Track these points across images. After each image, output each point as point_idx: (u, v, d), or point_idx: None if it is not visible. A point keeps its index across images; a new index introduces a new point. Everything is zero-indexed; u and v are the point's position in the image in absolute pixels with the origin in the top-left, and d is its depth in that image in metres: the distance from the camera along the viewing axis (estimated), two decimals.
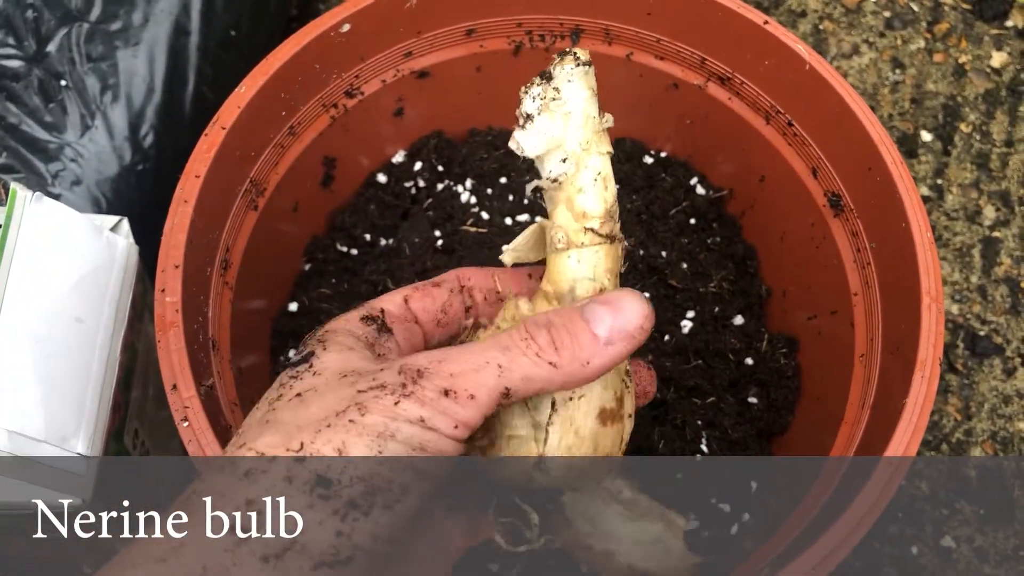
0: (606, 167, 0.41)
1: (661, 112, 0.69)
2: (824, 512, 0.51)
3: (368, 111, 0.65)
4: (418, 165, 0.71)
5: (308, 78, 0.60)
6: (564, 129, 0.40)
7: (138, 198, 0.80)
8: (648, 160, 0.72)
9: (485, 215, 0.69)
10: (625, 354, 0.39)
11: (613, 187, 0.42)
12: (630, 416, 0.43)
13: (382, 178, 0.70)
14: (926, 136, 0.99)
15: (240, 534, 0.32)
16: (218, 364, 0.54)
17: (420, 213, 0.69)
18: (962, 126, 1.00)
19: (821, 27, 1.05)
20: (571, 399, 0.40)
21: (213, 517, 0.32)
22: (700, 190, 0.71)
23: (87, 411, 0.54)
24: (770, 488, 0.62)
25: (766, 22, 0.59)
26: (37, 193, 0.55)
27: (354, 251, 0.69)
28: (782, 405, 0.64)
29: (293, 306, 0.67)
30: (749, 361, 0.66)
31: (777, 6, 1.06)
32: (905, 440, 0.48)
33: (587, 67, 0.40)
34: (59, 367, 0.53)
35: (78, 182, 0.78)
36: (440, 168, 0.71)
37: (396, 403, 0.35)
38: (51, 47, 0.79)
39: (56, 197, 0.76)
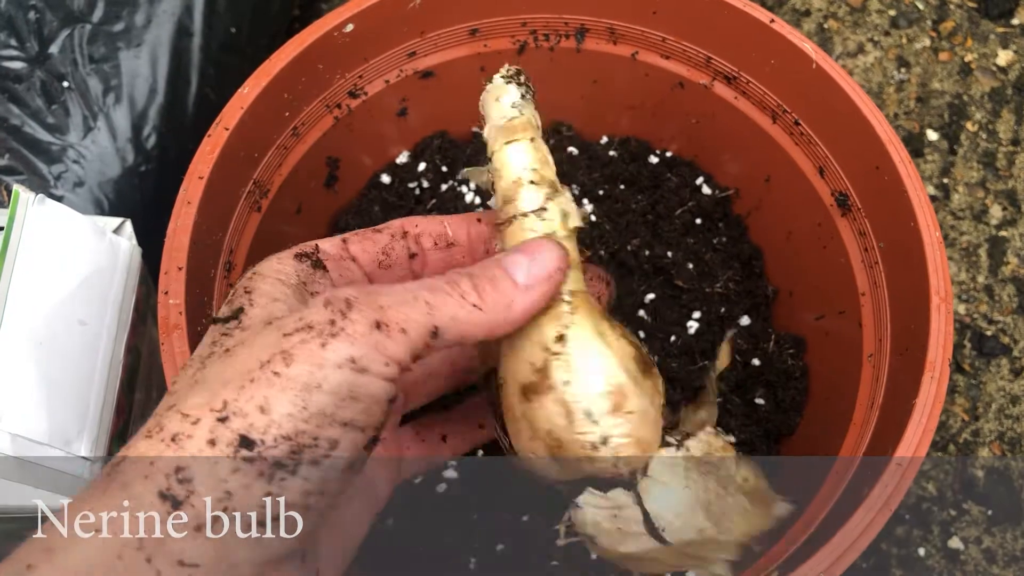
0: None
1: (666, 111, 0.68)
2: (833, 514, 0.51)
3: (372, 111, 0.65)
4: (422, 166, 0.70)
5: (311, 78, 0.60)
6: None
7: (140, 199, 0.80)
8: (653, 160, 0.71)
9: None
10: (546, 296, 0.40)
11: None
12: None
13: (386, 179, 0.70)
14: (932, 135, 0.98)
15: (172, 503, 0.31)
16: None
17: (424, 214, 0.69)
18: (968, 125, 0.99)
19: (826, 26, 1.05)
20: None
21: (145, 484, 0.32)
22: (706, 190, 0.70)
23: (90, 414, 0.54)
24: (778, 489, 0.61)
25: (772, 20, 0.59)
26: (40, 195, 0.55)
27: None
28: (790, 406, 0.63)
29: None
30: (756, 362, 0.66)
31: (781, 5, 1.06)
32: (915, 441, 0.48)
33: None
34: (62, 370, 0.53)
35: (80, 183, 0.78)
36: (444, 168, 0.70)
37: (323, 345, 0.33)
38: (53, 48, 0.79)
39: (58, 199, 0.76)
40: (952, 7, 1.06)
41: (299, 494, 0.33)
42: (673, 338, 0.66)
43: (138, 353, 0.62)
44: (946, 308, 0.51)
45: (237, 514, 0.32)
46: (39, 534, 0.32)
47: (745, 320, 0.67)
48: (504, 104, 0.44)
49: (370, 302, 0.35)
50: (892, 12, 1.05)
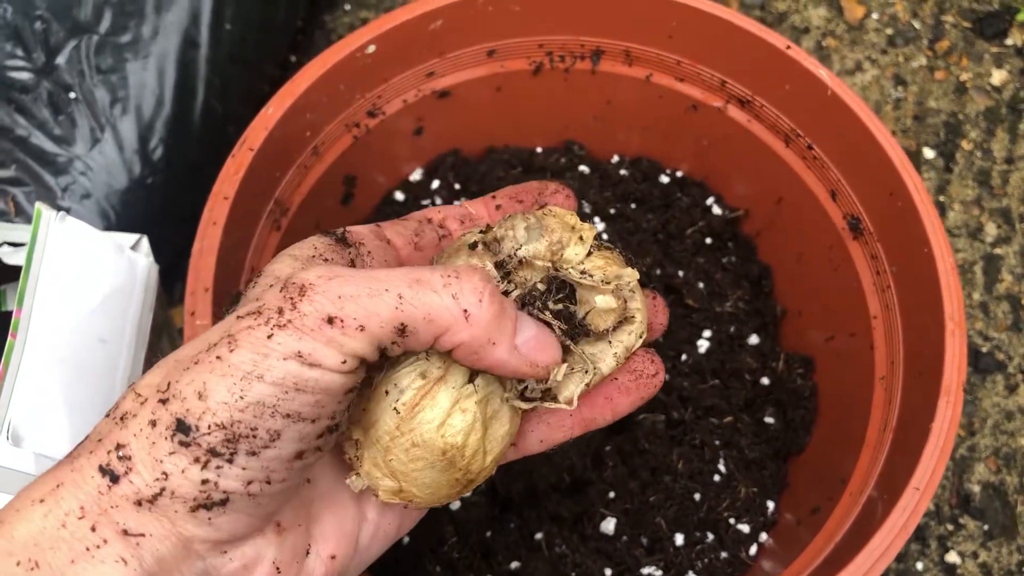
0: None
1: (679, 133, 0.69)
2: (849, 536, 0.52)
3: (388, 130, 0.65)
4: (435, 183, 0.71)
5: (333, 98, 0.60)
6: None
7: (147, 211, 0.79)
8: (664, 179, 0.72)
9: None
10: (521, 374, 0.36)
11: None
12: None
13: (399, 196, 0.70)
14: (928, 153, 1.00)
15: (111, 478, 0.31)
16: None
17: None
18: (963, 143, 1.01)
19: (824, 43, 1.06)
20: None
21: (89, 458, 0.32)
22: (716, 210, 0.71)
23: None
24: (789, 509, 0.62)
25: (788, 47, 0.60)
26: (61, 213, 0.54)
27: None
28: (799, 425, 0.64)
29: None
30: (765, 381, 0.67)
31: (780, 23, 1.07)
32: (931, 466, 0.49)
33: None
34: (84, 388, 0.53)
35: (87, 195, 0.78)
36: (457, 186, 0.71)
37: (269, 336, 0.31)
38: (60, 59, 0.79)
39: (66, 211, 0.76)
40: (948, 27, 1.08)
41: (239, 482, 0.32)
42: (684, 357, 0.67)
43: None
44: (960, 333, 0.52)
45: (176, 495, 0.31)
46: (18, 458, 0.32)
47: (754, 339, 0.68)
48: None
49: (329, 290, 0.32)
50: (889, 31, 1.07)
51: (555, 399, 0.38)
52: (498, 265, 0.37)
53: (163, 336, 0.65)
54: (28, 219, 0.75)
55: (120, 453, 0.32)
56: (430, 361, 0.36)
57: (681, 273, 0.68)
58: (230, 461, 0.31)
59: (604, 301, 0.38)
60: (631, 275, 0.39)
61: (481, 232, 0.39)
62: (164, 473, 0.31)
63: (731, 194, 0.71)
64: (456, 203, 0.46)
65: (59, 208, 0.76)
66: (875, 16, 1.08)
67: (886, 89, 1.04)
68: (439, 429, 0.36)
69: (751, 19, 0.61)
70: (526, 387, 0.38)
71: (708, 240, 0.70)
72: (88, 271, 0.56)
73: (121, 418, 0.33)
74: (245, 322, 0.32)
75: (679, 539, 0.61)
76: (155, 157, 0.79)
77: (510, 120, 0.69)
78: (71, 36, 0.79)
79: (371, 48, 0.59)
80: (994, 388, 0.88)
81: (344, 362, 0.32)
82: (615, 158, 0.73)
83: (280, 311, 0.32)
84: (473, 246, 0.38)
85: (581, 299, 0.38)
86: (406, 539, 0.60)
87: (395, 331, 0.33)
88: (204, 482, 0.31)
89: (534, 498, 0.62)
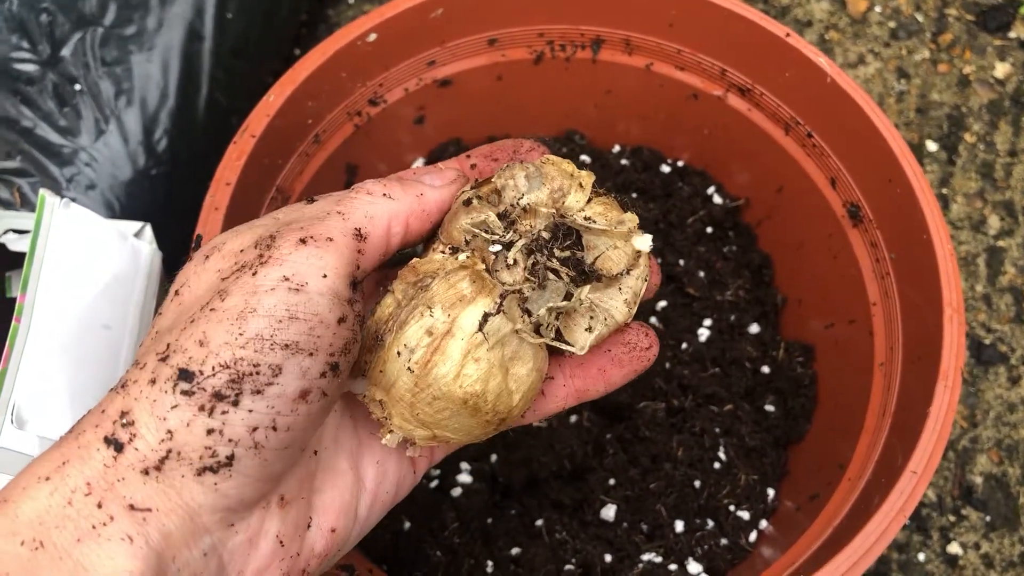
0: None
1: (679, 122, 0.69)
2: (847, 520, 0.52)
3: (390, 119, 0.66)
4: None
5: (334, 87, 0.60)
6: None
7: (152, 202, 0.80)
8: (665, 169, 0.72)
9: None
10: (453, 194, 0.39)
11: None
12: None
13: None
14: (931, 146, 1.00)
15: (116, 447, 0.31)
16: None
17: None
18: (966, 136, 1.01)
19: (827, 37, 1.06)
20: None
21: (95, 432, 0.31)
22: (717, 199, 0.71)
23: None
24: (788, 496, 0.62)
25: (788, 35, 0.60)
26: (66, 200, 0.55)
27: None
28: (799, 413, 0.65)
29: None
30: (765, 369, 0.67)
31: (783, 16, 1.07)
32: (929, 449, 0.49)
33: None
34: (87, 373, 0.53)
35: (92, 186, 0.78)
36: None
37: (254, 273, 0.33)
38: (65, 51, 0.79)
39: (72, 201, 0.76)
40: (951, 20, 1.07)
41: (245, 429, 0.32)
42: (684, 345, 0.67)
43: None
44: (958, 319, 0.52)
45: (182, 456, 0.31)
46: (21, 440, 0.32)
47: (754, 328, 0.68)
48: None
49: (291, 227, 0.35)
50: (892, 24, 1.07)
51: (566, 342, 0.39)
52: (501, 216, 0.38)
53: None
54: (33, 209, 0.76)
55: (124, 420, 0.31)
56: (435, 316, 0.36)
57: (682, 262, 0.69)
58: (236, 403, 0.32)
59: (618, 244, 0.39)
60: (631, 219, 0.39)
61: (473, 188, 0.39)
62: (169, 431, 0.31)
63: (732, 183, 0.71)
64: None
65: (65, 198, 0.77)
66: (878, 9, 1.08)
67: (889, 82, 1.04)
68: (456, 380, 0.36)
69: (751, 7, 0.62)
70: (537, 320, 0.38)
71: (709, 229, 0.71)
72: (92, 257, 0.56)
73: (123, 386, 0.33)
74: (232, 276, 0.33)
75: (679, 526, 0.61)
76: (159, 149, 0.80)
77: (511, 109, 0.69)
78: (76, 28, 0.80)
79: (372, 36, 0.60)
80: (997, 380, 0.88)
81: (324, 276, 0.33)
82: (616, 147, 0.74)
83: (260, 255, 0.33)
84: (468, 202, 0.38)
85: (588, 244, 0.39)
86: (407, 524, 0.60)
87: (354, 236, 0.35)
88: (210, 432, 0.31)
89: (534, 485, 0.62)
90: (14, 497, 0.30)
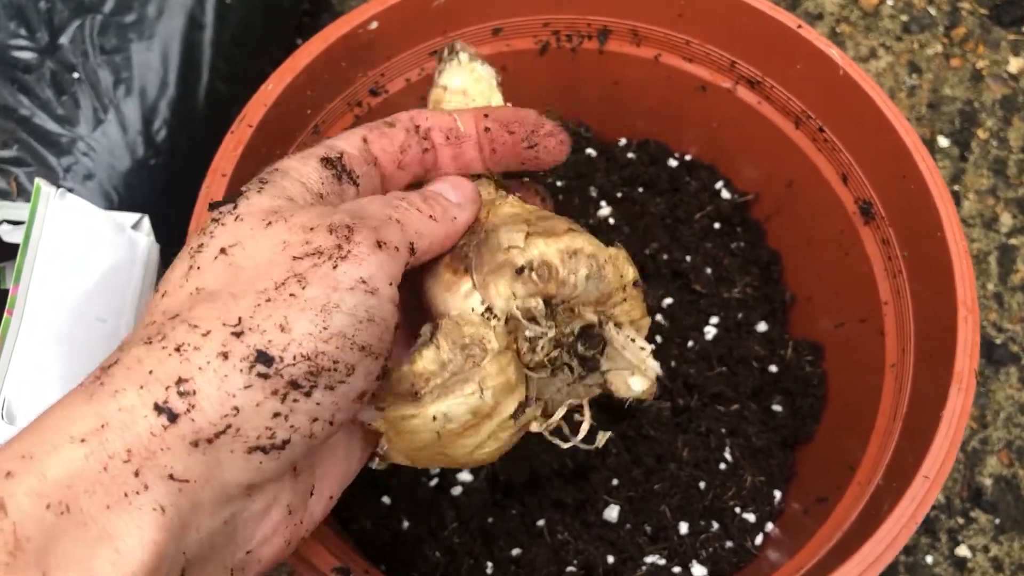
0: None
1: (687, 115, 0.68)
2: (858, 524, 0.51)
3: (391, 110, 0.63)
4: None
5: (334, 76, 0.59)
6: None
7: (150, 193, 0.79)
8: (672, 163, 0.71)
9: None
10: (474, 214, 0.42)
11: None
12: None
13: None
14: (943, 142, 0.98)
15: (169, 416, 0.30)
16: None
17: None
18: (979, 132, 0.99)
19: (838, 30, 1.05)
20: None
21: (140, 395, 0.30)
22: (725, 194, 0.70)
23: None
24: (796, 498, 0.61)
25: (800, 26, 0.59)
26: (61, 189, 0.54)
27: None
28: (807, 413, 0.63)
29: None
30: (773, 368, 0.65)
31: (794, 8, 1.05)
32: (942, 454, 0.48)
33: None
34: (81, 367, 0.52)
35: (90, 176, 0.77)
36: None
37: (335, 267, 0.33)
38: (64, 39, 0.78)
39: (68, 191, 0.75)
40: (964, 13, 1.06)
41: (307, 419, 0.32)
42: (691, 343, 0.65)
43: None
44: (973, 320, 0.51)
45: (240, 433, 0.31)
46: (13, 435, 0.30)
47: (762, 326, 0.67)
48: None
49: (365, 225, 0.35)
50: (904, 17, 1.05)
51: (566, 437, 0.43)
52: (546, 301, 0.39)
53: None
54: (29, 199, 0.75)
55: (181, 388, 0.30)
56: (484, 399, 0.37)
57: (689, 258, 0.67)
58: (308, 395, 0.32)
59: (632, 367, 0.43)
60: (648, 349, 0.42)
61: (525, 253, 0.39)
62: (235, 408, 0.31)
63: (740, 178, 0.70)
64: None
65: (61, 188, 0.76)
66: (890, 2, 1.06)
67: (900, 76, 1.02)
68: (471, 452, 0.39)
69: None
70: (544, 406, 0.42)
71: (716, 225, 0.69)
72: (87, 249, 0.55)
73: (177, 349, 0.31)
74: (308, 261, 0.33)
75: (683, 528, 0.60)
76: (159, 139, 0.79)
77: (515, 101, 0.67)
78: (75, 16, 0.78)
79: (374, 25, 0.59)
80: (1008, 380, 0.87)
81: (390, 284, 0.35)
82: (622, 140, 0.72)
83: (339, 247, 0.34)
84: (520, 271, 0.38)
85: (609, 355, 0.41)
86: (406, 524, 0.59)
87: (408, 250, 0.37)
88: (275, 415, 0.31)
89: (536, 484, 0.61)
90: (41, 455, 0.29)
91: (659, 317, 0.66)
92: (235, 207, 0.36)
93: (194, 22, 0.81)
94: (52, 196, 0.53)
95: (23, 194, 0.75)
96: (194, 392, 0.30)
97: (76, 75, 0.77)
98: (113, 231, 0.56)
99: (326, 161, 0.39)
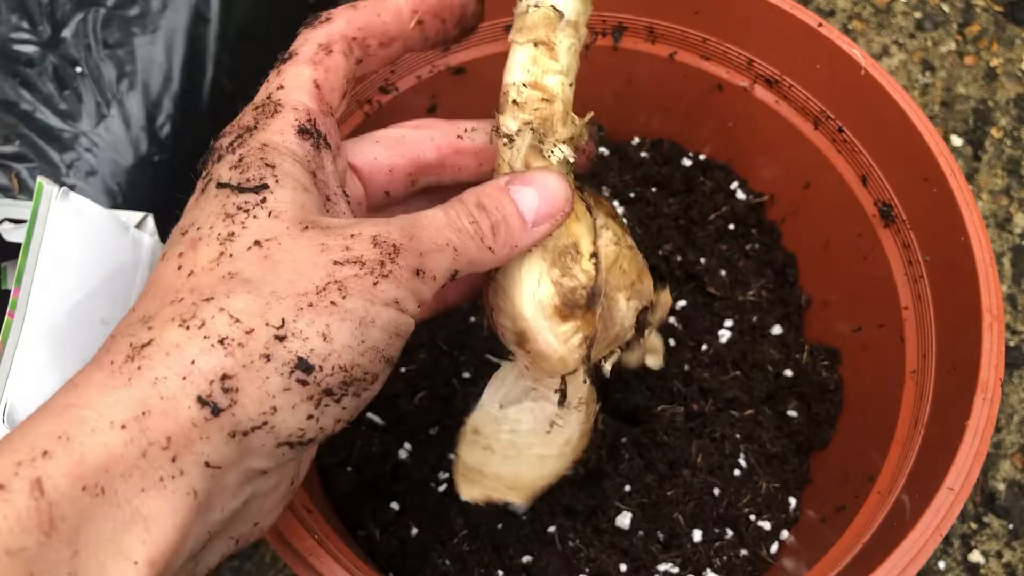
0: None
1: (703, 114, 0.67)
2: (878, 536, 0.49)
3: (401, 108, 0.63)
4: None
5: None
6: None
7: (154, 190, 0.78)
8: (687, 162, 0.70)
9: None
10: (548, 233, 0.40)
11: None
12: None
13: None
14: (956, 141, 0.97)
15: (212, 411, 0.31)
16: None
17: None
18: (993, 131, 0.98)
19: (850, 27, 1.03)
20: None
21: (183, 385, 0.31)
22: (740, 195, 0.69)
23: None
24: (812, 506, 0.60)
25: (820, 24, 0.57)
26: (64, 188, 0.53)
27: None
28: (823, 419, 0.62)
29: None
30: (788, 373, 0.64)
31: (806, 4, 1.04)
32: (967, 465, 0.46)
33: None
34: None
35: (93, 172, 0.76)
36: None
37: (375, 284, 0.34)
38: (66, 32, 0.77)
39: (71, 188, 0.74)
40: (978, 10, 1.04)
41: (333, 421, 0.34)
42: (704, 347, 0.64)
43: None
44: (998, 327, 0.50)
45: (274, 430, 0.32)
46: (43, 408, 0.30)
47: (777, 329, 0.66)
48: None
49: (412, 249, 0.36)
50: (917, 14, 1.04)
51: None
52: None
53: None
54: (32, 196, 0.74)
55: (226, 384, 0.31)
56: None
57: (703, 260, 0.66)
58: (338, 401, 0.34)
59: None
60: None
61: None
62: (273, 408, 0.32)
63: (756, 178, 0.68)
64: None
65: (64, 185, 0.75)
66: None
67: (913, 74, 1.01)
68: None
69: None
70: None
71: (731, 226, 0.68)
72: (90, 249, 0.54)
73: (220, 342, 0.31)
74: (349, 269, 0.34)
75: (697, 535, 0.59)
76: (163, 135, 0.78)
77: None
78: (78, 9, 0.77)
79: None
80: (1021, 383, 0.86)
81: (419, 307, 0.36)
82: (635, 140, 0.71)
83: (382, 263, 0.34)
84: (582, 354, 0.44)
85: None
86: (414, 531, 0.58)
87: (450, 277, 0.38)
88: (308, 418, 0.33)
89: (547, 491, 0.60)
90: (80, 436, 0.29)
91: (672, 320, 0.65)
92: (263, 200, 0.35)
93: (199, 16, 0.79)
94: (54, 195, 0.52)
95: (25, 191, 0.74)
96: (237, 389, 0.31)
97: (79, 69, 0.76)
98: (117, 231, 0.55)
99: (304, 132, 0.39)
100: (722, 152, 0.69)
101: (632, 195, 0.68)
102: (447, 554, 0.57)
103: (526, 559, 0.58)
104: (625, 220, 0.67)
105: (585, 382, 0.45)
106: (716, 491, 0.60)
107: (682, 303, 0.65)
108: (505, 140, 0.40)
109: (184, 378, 0.31)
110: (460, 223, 0.38)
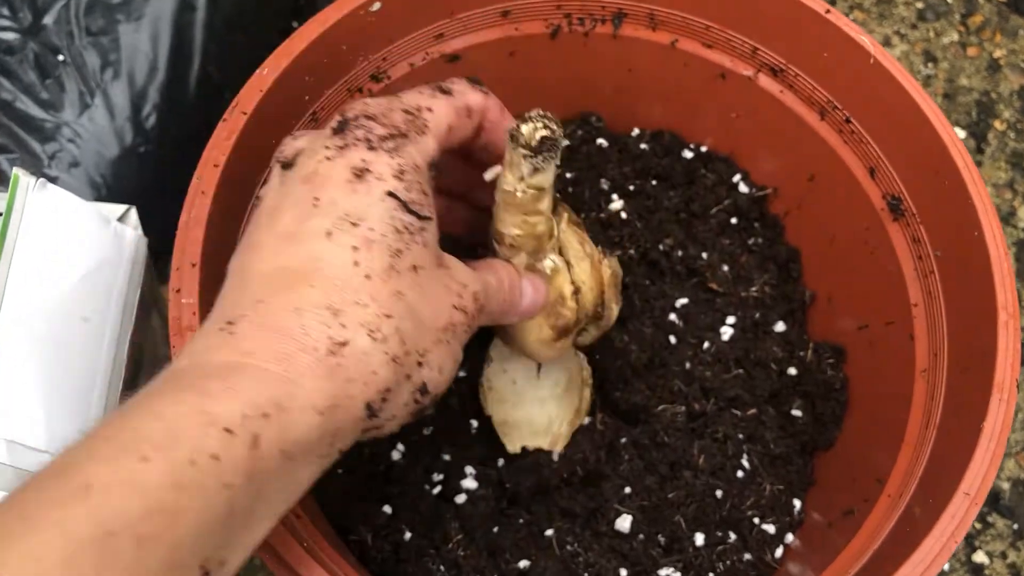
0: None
1: (704, 104, 0.65)
2: (888, 546, 0.48)
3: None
4: None
5: (334, 60, 0.56)
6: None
7: (139, 182, 0.76)
8: (688, 154, 0.68)
9: None
10: (538, 308, 0.49)
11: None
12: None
13: None
14: (959, 133, 0.95)
15: (369, 414, 0.36)
16: None
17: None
18: (996, 123, 0.96)
19: (852, 17, 1.01)
20: None
21: (363, 390, 0.36)
22: (743, 188, 0.67)
23: (91, 418, 0.50)
24: (817, 509, 0.58)
25: (828, 11, 0.55)
26: (41, 180, 0.50)
27: None
28: (829, 419, 0.60)
29: None
30: (792, 371, 0.62)
31: None
32: (983, 469, 0.45)
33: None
34: (63, 371, 0.49)
35: (76, 164, 0.74)
36: None
37: (465, 331, 0.41)
38: (48, 19, 0.75)
39: (53, 179, 0.72)
40: (981, 1, 1.03)
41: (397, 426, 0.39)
42: (707, 344, 0.62)
43: (141, 348, 0.58)
44: (1014, 325, 0.48)
45: (381, 429, 0.38)
46: (260, 368, 0.33)
47: (780, 326, 0.64)
48: (513, 175, 0.44)
49: (484, 307, 0.43)
50: (920, 4, 1.02)
51: None
52: None
53: (152, 312, 0.61)
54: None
55: (384, 396, 0.36)
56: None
57: (704, 255, 0.64)
58: (421, 412, 0.39)
59: None
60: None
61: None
62: (394, 416, 0.38)
63: (759, 170, 0.66)
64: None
65: (47, 177, 0.73)
66: None
67: (916, 65, 0.99)
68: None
69: None
70: None
71: (733, 220, 0.66)
72: (70, 244, 0.52)
73: (393, 359, 0.36)
74: (458, 316, 0.40)
75: (699, 539, 0.57)
76: (148, 125, 0.76)
77: (523, 88, 0.64)
78: None
79: (376, 6, 0.55)
80: None
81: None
82: (635, 131, 0.69)
83: (473, 317, 0.41)
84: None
85: None
86: (408, 535, 0.56)
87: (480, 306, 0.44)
88: (403, 424, 0.39)
89: (544, 492, 0.58)
90: (291, 412, 0.33)
91: (673, 317, 0.63)
92: (423, 230, 0.39)
93: (185, 3, 0.77)
94: (31, 187, 0.50)
95: (5, 182, 0.72)
96: (386, 400, 0.36)
97: (61, 57, 0.74)
98: (98, 224, 0.53)
99: (432, 167, 0.42)
100: (724, 144, 0.67)
101: (632, 188, 0.66)
102: (441, 559, 0.55)
103: (523, 564, 0.56)
104: (624, 214, 0.65)
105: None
106: (719, 493, 0.58)
107: (683, 300, 0.63)
108: (505, 254, 0.48)
109: (365, 384, 0.35)
110: (506, 297, 0.45)
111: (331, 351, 0.34)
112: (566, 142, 0.47)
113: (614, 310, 0.55)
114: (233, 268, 0.39)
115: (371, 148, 0.38)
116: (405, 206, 0.38)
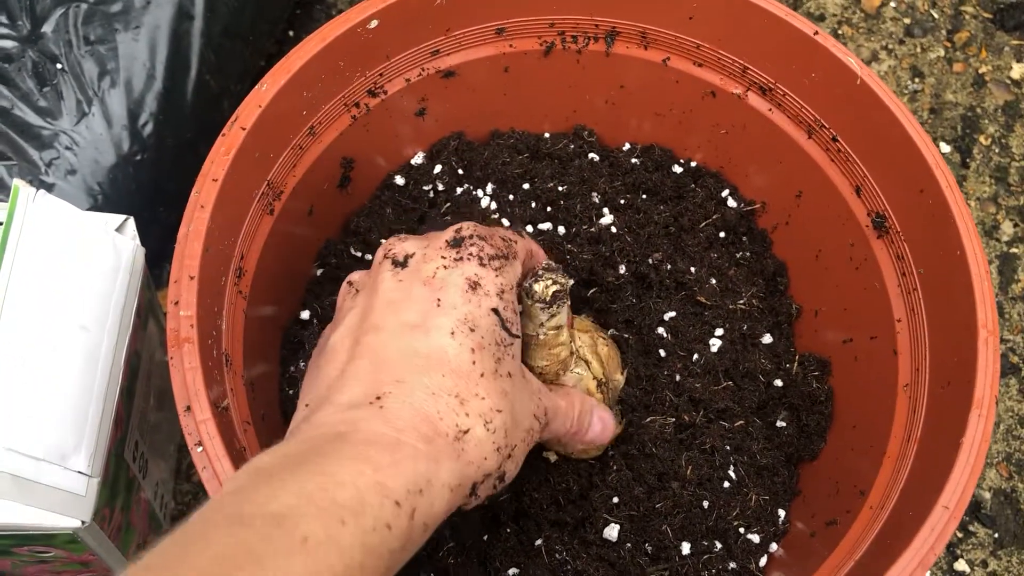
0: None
1: (695, 120, 0.66)
2: (868, 558, 0.49)
3: (390, 111, 0.62)
4: (437, 168, 0.67)
5: (331, 76, 0.57)
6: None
7: (136, 190, 0.76)
8: (677, 169, 0.69)
9: (506, 221, 0.66)
10: (604, 442, 0.57)
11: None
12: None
13: (400, 180, 0.67)
14: (944, 148, 0.97)
15: (471, 494, 0.42)
16: (231, 380, 0.50)
17: (438, 217, 0.66)
18: (981, 138, 0.98)
19: (839, 32, 1.03)
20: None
21: (475, 474, 0.41)
22: (731, 203, 0.68)
23: (88, 426, 0.51)
24: (801, 519, 0.59)
25: (816, 33, 0.57)
26: (41, 191, 0.51)
27: (368, 256, 0.65)
28: (813, 431, 0.62)
29: (305, 314, 0.63)
30: (778, 383, 0.64)
31: (795, 9, 1.04)
32: (962, 482, 0.46)
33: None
34: (61, 379, 0.50)
35: (73, 171, 0.74)
36: (460, 171, 0.67)
37: (535, 439, 0.47)
38: (46, 27, 0.75)
39: (50, 187, 0.73)
40: (967, 17, 1.04)
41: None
42: (695, 356, 0.63)
43: (138, 357, 0.58)
44: (994, 342, 0.49)
45: (461, 488, 0.41)
46: (412, 448, 0.39)
47: (767, 338, 0.65)
48: (533, 322, 0.50)
49: (550, 422, 0.49)
50: (907, 20, 1.04)
51: None
52: None
53: (149, 320, 0.61)
54: (8, 195, 0.72)
55: (483, 480, 0.42)
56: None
57: (693, 269, 0.65)
58: (491, 496, 0.45)
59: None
60: None
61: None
62: (479, 496, 0.43)
63: (747, 186, 0.68)
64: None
65: (43, 184, 0.73)
66: (892, 5, 1.05)
67: (902, 81, 1.01)
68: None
69: (777, 2, 0.58)
70: None
71: (722, 234, 0.67)
72: (68, 254, 0.52)
73: (497, 450, 0.42)
74: (535, 423, 0.47)
75: (686, 548, 0.58)
76: (145, 133, 0.76)
77: (517, 103, 0.65)
78: (58, 4, 0.76)
79: (374, 23, 0.56)
80: (1007, 392, 0.86)
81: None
82: (626, 145, 0.70)
83: (541, 429, 0.48)
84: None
85: None
86: None
87: (543, 422, 0.49)
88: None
89: (534, 502, 0.59)
90: (435, 490, 0.39)
91: (661, 330, 0.64)
92: (512, 345, 0.45)
93: (183, 12, 0.78)
94: (31, 198, 0.50)
95: (3, 189, 0.72)
96: (482, 483, 0.42)
97: (59, 66, 0.75)
98: (96, 234, 0.54)
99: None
100: (714, 159, 0.68)
101: (622, 202, 0.67)
102: (432, 567, 0.56)
103: (512, 572, 0.57)
104: (614, 228, 0.66)
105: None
106: (705, 503, 0.59)
107: (671, 313, 0.64)
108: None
109: (477, 468, 0.41)
110: (573, 423, 0.52)
111: (457, 437, 0.40)
112: (571, 283, 0.54)
113: (619, 379, 0.60)
114: (362, 343, 0.43)
115: (482, 264, 0.44)
116: (503, 323, 0.44)
